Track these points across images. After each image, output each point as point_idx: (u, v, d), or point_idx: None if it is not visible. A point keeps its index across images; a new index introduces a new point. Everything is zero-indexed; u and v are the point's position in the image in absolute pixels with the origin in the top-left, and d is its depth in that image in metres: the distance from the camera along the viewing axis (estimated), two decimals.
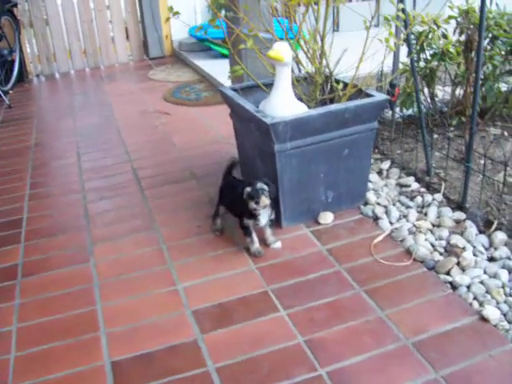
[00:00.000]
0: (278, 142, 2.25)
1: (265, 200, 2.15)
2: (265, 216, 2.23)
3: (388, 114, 3.34)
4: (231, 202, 2.36)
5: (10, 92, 5.20)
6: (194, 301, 2.05)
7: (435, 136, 3.11)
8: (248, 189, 2.16)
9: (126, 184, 3.08)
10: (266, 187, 2.18)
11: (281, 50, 2.17)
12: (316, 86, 2.50)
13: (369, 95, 2.44)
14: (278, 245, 2.33)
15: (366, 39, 2.33)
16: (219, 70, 4.92)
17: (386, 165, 2.93)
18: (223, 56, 5.45)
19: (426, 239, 2.31)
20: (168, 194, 2.90)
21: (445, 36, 3.09)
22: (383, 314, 1.91)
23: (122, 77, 5.71)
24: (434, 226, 2.41)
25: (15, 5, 5.38)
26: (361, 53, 2.37)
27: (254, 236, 2.28)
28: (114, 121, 4.20)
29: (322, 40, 2.44)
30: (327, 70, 2.53)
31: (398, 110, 3.24)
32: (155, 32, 6.10)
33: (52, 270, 2.34)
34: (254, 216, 2.21)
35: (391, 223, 2.45)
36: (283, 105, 2.27)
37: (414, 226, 2.41)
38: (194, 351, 1.81)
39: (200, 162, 3.23)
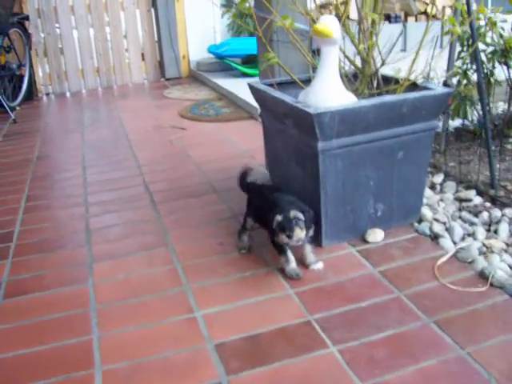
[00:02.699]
0: (323, 139, 1.83)
1: (299, 233, 1.72)
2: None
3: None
4: (260, 213, 1.94)
5: (18, 108, 4.88)
6: (216, 332, 1.61)
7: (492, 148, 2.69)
8: (279, 217, 1.73)
9: (136, 198, 2.66)
10: (301, 215, 1.74)
11: (328, 24, 1.77)
12: (364, 78, 2.10)
13: (427, 88, 2.04)
14: (319, 265, 1.89)
15: (428, 22, 1.94)
16: (242, 88, 4.56)
17: (438, 178, 2.51)
18: (244, 75, 5.13)
19: (501, 260, 1.88)
20: (184, 209, 2.48)
21: (500, 35, 2.71)
22: (464, 353, 1.46)
23: (136, 95, 5.38)
24: (508, 245, 1.97)
25: (26, 18, 5.09)
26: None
27: (290, 254, 1.84)
28: (125, 135, 3.82)
29: (373, 26, 2.06)
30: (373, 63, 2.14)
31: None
32: (172, 52, 5.79)
33: (40, 292, 1.91)
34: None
35: (455, 242, 2.02)
36: (329, 92, 1.85)
37: (484, 245, 1.98)
38: None
39: (221, 176, 2.82)
